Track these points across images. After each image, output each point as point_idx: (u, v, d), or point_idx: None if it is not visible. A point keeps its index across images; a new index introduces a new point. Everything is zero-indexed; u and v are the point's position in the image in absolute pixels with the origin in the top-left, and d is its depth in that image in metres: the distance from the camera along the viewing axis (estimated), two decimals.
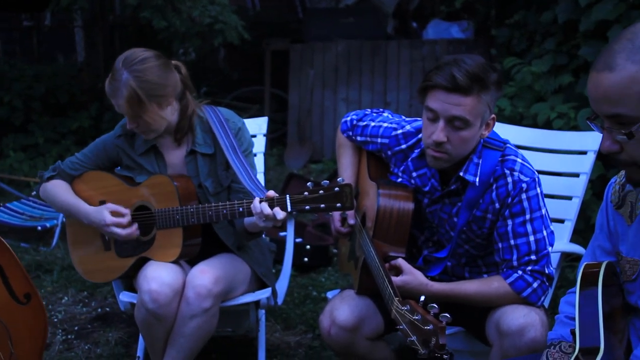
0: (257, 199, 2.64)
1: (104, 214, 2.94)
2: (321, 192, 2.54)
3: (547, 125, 4.74)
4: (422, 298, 2.03)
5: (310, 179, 6.05)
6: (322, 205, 2.54)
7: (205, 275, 2.86)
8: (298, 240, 4.74)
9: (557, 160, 3.44)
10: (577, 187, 3.30)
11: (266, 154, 6.98)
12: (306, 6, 9.04)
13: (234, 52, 9.00)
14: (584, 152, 3.36)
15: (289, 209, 2.60)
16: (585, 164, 3.32)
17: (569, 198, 3.31)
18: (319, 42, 7.34)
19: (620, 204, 1.97)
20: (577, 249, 3.19)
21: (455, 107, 2.41)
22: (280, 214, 2.60)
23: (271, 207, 2.62)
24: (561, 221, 3.27)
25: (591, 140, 3.34)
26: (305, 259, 4.63)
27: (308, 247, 4.64)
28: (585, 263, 1.94)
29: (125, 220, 2.93)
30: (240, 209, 2.75)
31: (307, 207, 2.56)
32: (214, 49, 8.70)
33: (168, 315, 2.84)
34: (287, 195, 2.61)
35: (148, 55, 2.84)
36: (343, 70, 7.25)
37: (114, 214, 2.94)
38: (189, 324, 2.85)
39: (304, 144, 7.14)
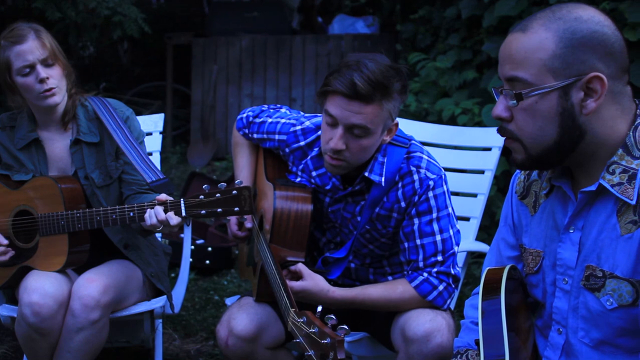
0: (149, 207, 2.48)
1: None
2: (218, 195, 2.39)
3: (452, 121, 4.72)
4: (320, 309, 1.89)
5: (213, 177, 5.86)
6: (219, 210, 2.39)
7: (93, 284, 2.66)
8: (199, 241, 4.55)
9: (462, 156, 3.38)
10: (483, 184, 3.25)
11: (169, 152, 6.83)
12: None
13: (135, 47, 8.70)
14: (488, 149, 3.30)
15: (184, 214, 2.43)
16: (490, 161, 3.27)
17: (474, 195, 3.26)
18: (223, 36, 7.15)
19: (524, 194, 1.91)
20: (482, 247, 3.13)
21: (355, 115, 2.29)
22: (174, 219, 2.43)
23: (165, 211, 2.45)
24: (466, 219, 3.20)
25: (496, 136, 3.27)
26: (207, 262, 4.44)
27: (210, 249, 4.45)
28: (487, 268, 1.85)
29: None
30: (131, 214, 2.55)
31: (203, 212, 2.41)
32: (113, 43, 8.37)
33: (52, 329, 2.62)
34: (182, 200, 2.44)
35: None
36: (247, 65, 7.08)
37: None
38: (75, 337, 2.63)
39: (208, 141, 6.94)
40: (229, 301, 2.94)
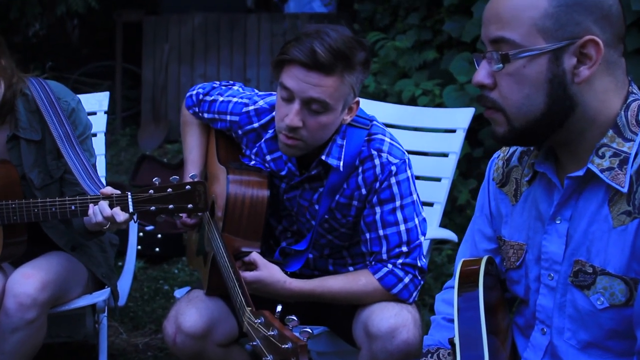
0: (92, 203, 2.26)
1: None
2: (170, 190, 2.20)
3: (412, 102, 4.58)
4: (279, 308, 1.71)
5: (164, 161, 5.63)
6: (171, 207, 2.20)
7: (29, 280, 2.43)
8: (148, 228, 4.31)
9: (425, 139, 3.22)
10: (447, 168, 3.09)
11: (118, 134, 6.56)
12: None
13: (84, 25, 8.37)
14: (452, 131, 3.15)
15: (131, 209, 2.22)
16: (454, 143, 3.11)
17: (438, 180, 3.10)
18: (175, 14, 6.89)
19: (504, 182, 1.73)
20: (447, 234, 2.98)
21: (313, 87, 2.10)
22: (120, 215, 2.22)
23: (110, 206, 2.23)
24: (430, 204, 3.05)
25: (461, 117, 3.14)
26: (157, 249, 4.22)
27: (159, 235, 4.22)
28: (462, 260, 1.68)
29: None
30: (73, 207, 2.33)
31: (153, 208, 2.22)
32: (61, 21, 8.03)
33: None
34: (129, 193, 2.23)
35: None
36: (200, 44, 6.83)
37: None
38: (9, 339, 2.40)
39: (159, 123, 6.68)
40: (178, 293, 2.74)
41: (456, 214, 4.29)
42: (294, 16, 6.95)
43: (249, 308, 1.84)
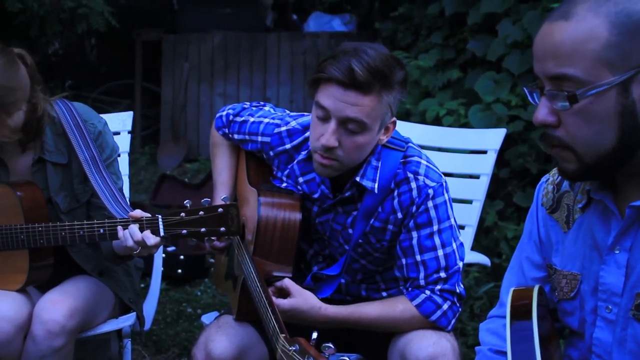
0: (121, 225, 2.21)
1: None
2: (201, 213, 2.14)
3: (436, 122, 4.52)
4: (315, 335, 1.64)
5: (185, 180, 5.58)
6: (203, 230, 2.15)
7: (57, 306, 2.37)
8: (171, 249, 4.26)
9: (454, 160, 3.17)
10: (478, 190, 3.04)
11: (137, 153, 6.53)
12: None
13: (102, 43, 8.38)
14: (483, 152, 3.10)
15: (162, 233, 2.17)
16: (485, 165, 3.06)
17: (469, 202, 3.04)
18: (194, 33, 6.88)
19: (554, 207, 1.65)
20: (480, 258, 2.93)
21: (350, 107, 2.04)
22: (151, 239, 2.17)
23: (140, 230, 2.18)
24: (461, 227, 2.98)
25: (492, 138, 3.09)
26: (179, 271, 4.16)
27: (182, 257, 4.17)
28: (513, 289, 1.61)
29: None
30: (101, 231, 2.27)
31: (184, 232, 2.16)
32: (80, 39, 8.05)
33: (9, 356, 2.33)
34: (159, 216, 2.17)
35: None
36: (220, 63, 6.82)
37: None
38: None
39: (178, 142, 6.65)
40: (205, 319, 2.67)
41: (483, 236, 4.21)
42: (314, 35, 6.93)
43: (283, 335, 1.77)
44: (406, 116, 4.92)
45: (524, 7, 4.58)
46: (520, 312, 1.52)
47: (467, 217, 3.00)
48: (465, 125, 4.38)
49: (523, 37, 4.38)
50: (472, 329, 3.55)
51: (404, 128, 3.23)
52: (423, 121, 4.58)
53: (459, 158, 3.16)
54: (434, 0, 5.34)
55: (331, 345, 1.54)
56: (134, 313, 2.67)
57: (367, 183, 2.17)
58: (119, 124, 3.20)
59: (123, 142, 3.14)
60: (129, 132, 3.21)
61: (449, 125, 4.34)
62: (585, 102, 1.38)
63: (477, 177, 3.06)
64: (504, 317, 1.72)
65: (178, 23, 7.22)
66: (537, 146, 4.09)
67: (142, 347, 3.45)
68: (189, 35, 6.86)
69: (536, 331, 1.48)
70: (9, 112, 2.31)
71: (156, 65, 7.04)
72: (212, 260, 4.50)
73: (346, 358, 1.52)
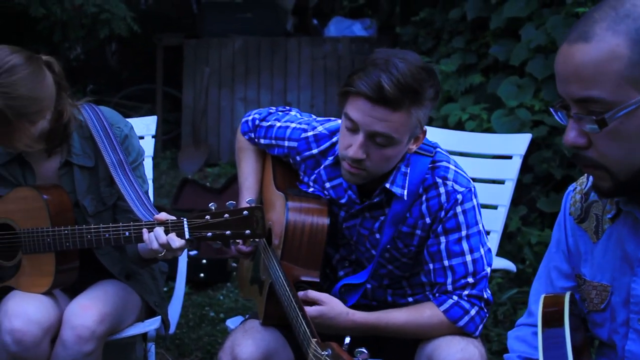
0: (146, 228, 2.22)
1: None
2: (226, 216, 2.14)
3: (459, 127, 4.50)
4: (348, 340, 1.64)
5: (206, 184, 5.60)
6: (228, 232, 2.15)
7: (88, 312, 2.38)
8: (192, 253, 4.27)
9: (479, 165, 3.15)
10: (503, 195, 3.01)
11: (158, 157, 6.55)
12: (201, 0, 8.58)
13: (123, 48, 8.43)
14: (508, 157, 3.07)
15: (187, 236, 2.17)
16: (510, 170, 3.04)
17: (494, 207, 3.02)
18: (215, 37, 6.90)
19: (582, 217, 1.64)
20: (506, 264, 2.91)
21: (379, 122, 2.02)
22: (176, 241, 2.17)
23: (165, 232, 2.18)
24: (487, 233, 2.96)
25: (517, 143, 3.07)
26: (201, 275, 4.17)
27: (204, 261, 4.18)
28: (544, 295, 1.59)
29: None
30: (127, 234, 2.28)
31: (209, 234, 2.16)
32: (101, 43, 8.10)
33: (37, 359, 2.34)
34: (184, 219, 2.18)
35: (17, 62, 2.24)
36: (240, 68, 6.84)
37: None
38: None
39: (199, 146, 6.67)
40: (230, 323, 2.67)
41: (506, 242, 4.19)
42: (334, 40, 6.94)
43: (315, 339, 1.77)
44: (428, 121, 4.89)
45: (547, 11, 4.56)
46: (552, 318, 1.51)
47: (492, 222, 2.98)
48: (488, 130, 4.36)
49: (546, 41, 4.36)
50: (496, 335, 3.54)
51: (429, 133, 3.22)
52: (445, 126, 4.57)
53: (483, 163, 3.14)
54: (456, 4, 5.33)
55: (364, 350, 1.54)
56: (160, 317, 2.67)
57: (396, 190, 2.17)
58: (143, 128, 3.20)
59: (147, 147, 3.14)
60: (152, 137, 3.22)
61: (472, 130, 4.32)
62: (615, 124, 1.36)
63: (502, 182, 3.04)
64: (533, 325, 1.72)
65: (199, 28, 7.25)
66: (561, 151, 4.07)
67: (165, 350, 3.46)
68: (210, 40, 6.88)
69: (568, 337, 1.47)
70: (33, 122, 2.30)
71: (177, 69, 7.07)
72: (234, 264, 4.51)
73: None
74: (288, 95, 6.81)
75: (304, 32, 7.74)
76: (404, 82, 1.98)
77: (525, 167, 4.30)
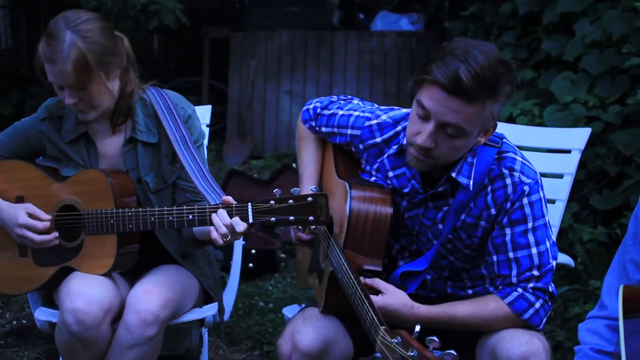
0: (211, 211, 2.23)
1: (19, 212, 2.45)
2: (291, 201, 2.14)
3: (510, 122, 4.45)
4: (418, 328, 1.63)
5: (253, 176, 5.62)
6: (292, 218, 2.15)
7: (152, 297, 2.41)
8: (241, 243, 4.29)
9: (538, 159, 3.10)
10: (561, 190, 2.98)
11: (207, 148, 6.59)
12: None
13: (169, 41, 8.49)
14: (567, 151, 3.03)
15: (251, 220, 2.18)
16: (569, 164, 3.00)
17: (552, 202, 2.98)
18: (262, 31, 6.92)
19: None
20: (565, 259, 2.87)
21: (452, 113, 2.01)
22: (240, 225, 2.17)
23: (230, 215, 2.19)
24: None
25: (576, 137, 3.02)
26: (250, 265, 4.18)
27: (253, 251, 4.19)
28: (623, 285, 1.57)
29: (41, 225, 2.44)
30: (190, 217, 2.29)
31: (273, 219, 2.16)
32: (147, 36, 8.17)
33: (97, 339, 2.38)
34: (249, 204, 2.19)
35: (92, 16, 2.41)
36: (287, 61, 6.85)
37: (32, 216, 2.46)
38: (127, 354, 2.38)
39: (244, 138, 6.70)
40: (287, 311, 2.68)
41: (558, 238, 4.14)
42: (381, 34, 6.91)
43: (383, 327, 1.76)
44: None
45: (602, 6, 4.49)
46: (633, 309, 1.48)
47: (550, 217, 2.92)
48: (540, 125, 4.30)
49: (602, 36, 4.29)
50: (549, 332, 3.50)
51: None
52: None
53: (541, 157, 3.10)
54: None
55: (436, 339, 1.53)
56: (216, 303, 2.69)
57: (462, 180, 2.15)
58: (199, 117, 3.22)
59: None
60: (207, 126, 3.25)
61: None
62: None
63: (560, 176, 3.00)
64: (606, 318, 1.69)
65: (245, 21, 7.28)
66: (616, 148, 4.00)
67: (217, 338, 3.48)
68: (257, 33, 6.90)
69: None
70: (107, 73, 2.41)
71: (222, 62, 7.10)
72: (283, 255, 4.52)
73: (453, 352, 1.50)
74: (334, 89, 6.81)
75: (350, 26, 7.72)
76: (482, 75, 1.96)
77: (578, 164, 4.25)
